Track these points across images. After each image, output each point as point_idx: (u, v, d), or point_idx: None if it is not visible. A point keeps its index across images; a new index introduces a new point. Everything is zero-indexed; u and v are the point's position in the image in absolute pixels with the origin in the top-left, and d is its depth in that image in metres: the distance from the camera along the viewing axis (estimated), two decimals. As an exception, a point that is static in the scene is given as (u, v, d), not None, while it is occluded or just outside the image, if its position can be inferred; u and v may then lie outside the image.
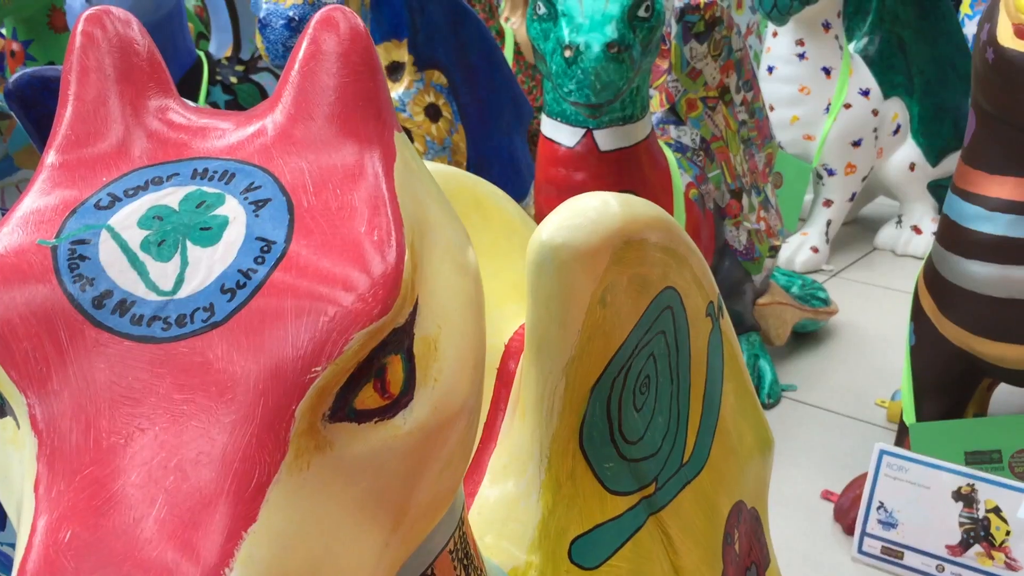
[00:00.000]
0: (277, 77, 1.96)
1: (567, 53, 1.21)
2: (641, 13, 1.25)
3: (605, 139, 1.36)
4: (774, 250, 1.68)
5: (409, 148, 0.41)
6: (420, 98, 1.84)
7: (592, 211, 0.52)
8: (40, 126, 0.94)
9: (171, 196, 0.35)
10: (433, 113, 1.85)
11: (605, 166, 1.37)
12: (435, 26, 1.81)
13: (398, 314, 0.33)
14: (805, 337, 1.83)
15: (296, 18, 1.52)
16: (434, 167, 0.73)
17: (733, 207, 1.61)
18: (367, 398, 0.33)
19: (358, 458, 0.33)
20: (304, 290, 0.31)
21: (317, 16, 0.39)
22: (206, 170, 0.36)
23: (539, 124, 2.27)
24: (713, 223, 1.57)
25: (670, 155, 1.50)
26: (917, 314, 1.29)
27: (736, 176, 1.61)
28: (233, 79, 2.08)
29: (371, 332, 0.32)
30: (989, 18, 1.11)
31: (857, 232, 2.38)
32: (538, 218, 1.48)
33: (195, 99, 2.00)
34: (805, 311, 1.77)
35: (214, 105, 2.03)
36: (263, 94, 2.10)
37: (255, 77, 2.11)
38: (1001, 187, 1.14)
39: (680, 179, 1.48)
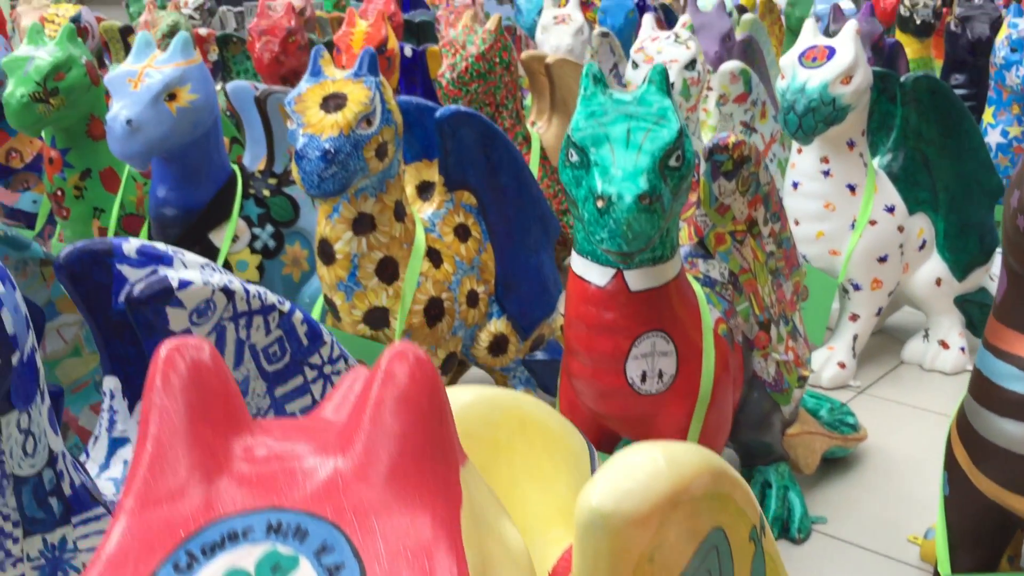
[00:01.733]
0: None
1: (599, 204, 1.23)
2: (672, 163, 1.27)
3: (636, 279, 1.37)
4: (803, 380, 1.67)
5: (473, 478, 0.42)
6: (450, 218, 1.87)
7: (641, 473, 0.52)
8: (87, 299, 0.96)
9: (247, 557, 0.35)
10: (462, 233, 1.88)
11: (635, 306, 1.38)
12: (466, 149, 1.84)
13: None
14: (834, 462, 1.82)
15: (332, 150, 1.55)
16: (478, 393, 0.74)
17: (761, 339, 1.61)
18: None
19: None
20: None
21: (389, 354, 0.40)
22: (280, 524, 0.37)
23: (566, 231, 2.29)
24: (742, 356, 1.57)
25: (699, 289, 1.51)
26: (950, 464, 1.28)
27: (764, 308, 1.62)
28: (266, 192, 2.12)
29: None
30: (1019, 184, 1.12)
31: (884, 344, 2.37)
32: (566, 352, 1.48)
33: (229, 212, 2.04)
34: (834, 439, 1.76)
35: (247, 219, 2.06)
36: (294, 207, 2.14)
37: (287, 190, 2.15)
38: (1035, 346, 1.14)
39: (709, 315, 1.49)
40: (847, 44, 2.03)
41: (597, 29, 3.60)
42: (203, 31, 3.60)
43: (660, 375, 1.42)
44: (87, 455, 0.98)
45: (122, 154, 1.87)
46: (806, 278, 2.20)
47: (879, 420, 2.00)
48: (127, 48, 3.96)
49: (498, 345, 1.93)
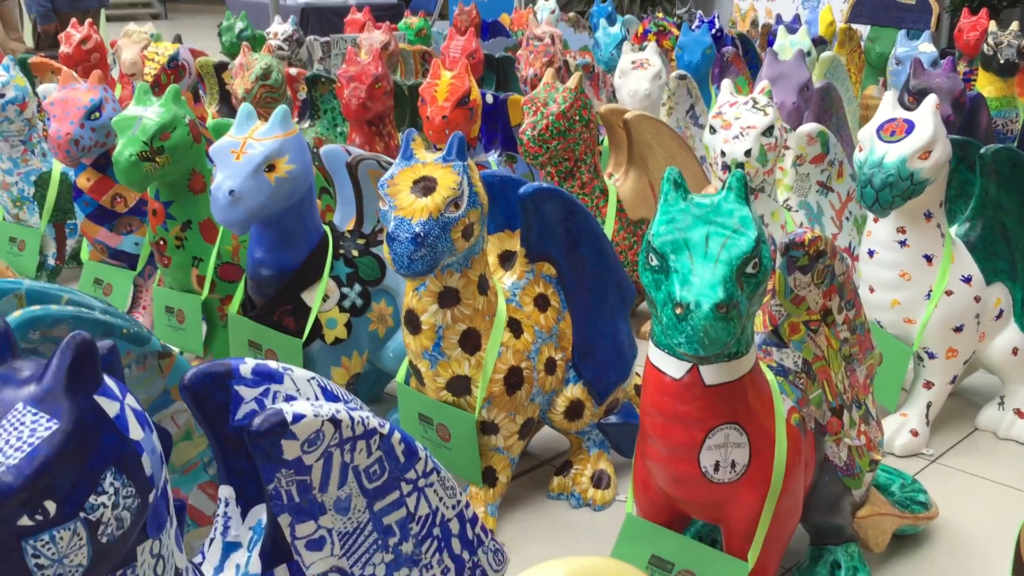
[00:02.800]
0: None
1: (678, 311, 1.29)
2: (749, 270, 1.32)
3: (711, 374, 1.42)
4: (874, 464, 1.71)
5: None
6: (530, 288, 1.95)
7: None
8: (208, 416, 1.06)
9: None
10: (542, 303, 1.95)
11: (710, 399, 1.44)
12: (547, 224, 1.92)
13: None
14: (904, 539, 1.85)
15: (422, 234, 1.64)
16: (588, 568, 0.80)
17: (834, 424, 1.65)
18: None
19: None
20: None
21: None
22: None
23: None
24: (814, 442, 1.62)
25: (772, 379, 1.56)
26: (1018, 570, 1.31)
27: (837, 394, 1.66)
28: (355, 252, 2.22)
29: None
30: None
31: (958, 408, 2.38)
32: (641, 435, 1.54)
33: (321, 273, 2.15)
34: (905, 518, 1.80)
35: (336, 279, 2.16)
36: (381, 266, 2.24)
37: (374, 250, 2.25)
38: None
39: (782, 405, 1.54)
40: (926, 118, 2.05)
41: (675, 72, 3.64)
42: (293, 71, 3.74)
43: (733, 465, 1.47)
44: (203, 556, 1.07)
45: (224, 221, 1.98)
46: (880, 343, 2.23)
47: (951, 493, 2.02)
48: (220, 83, 4.13)
49: (574, 410, 2.00)
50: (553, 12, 6.61)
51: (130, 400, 0.88)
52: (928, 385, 2.24)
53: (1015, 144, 3.75)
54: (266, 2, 6.81)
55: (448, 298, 1.78)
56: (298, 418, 0.96)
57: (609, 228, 2.73)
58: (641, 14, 8.29)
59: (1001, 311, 2.23)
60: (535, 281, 1.96)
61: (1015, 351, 2.24)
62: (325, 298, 2.15)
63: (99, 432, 0.82)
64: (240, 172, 1.97)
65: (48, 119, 2.70)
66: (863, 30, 5.35)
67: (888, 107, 2.13)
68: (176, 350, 1.39)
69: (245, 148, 2.00)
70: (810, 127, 2.48)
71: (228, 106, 4.07)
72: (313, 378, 1.13)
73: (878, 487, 1.84)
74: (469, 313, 1.81)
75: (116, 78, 4.80)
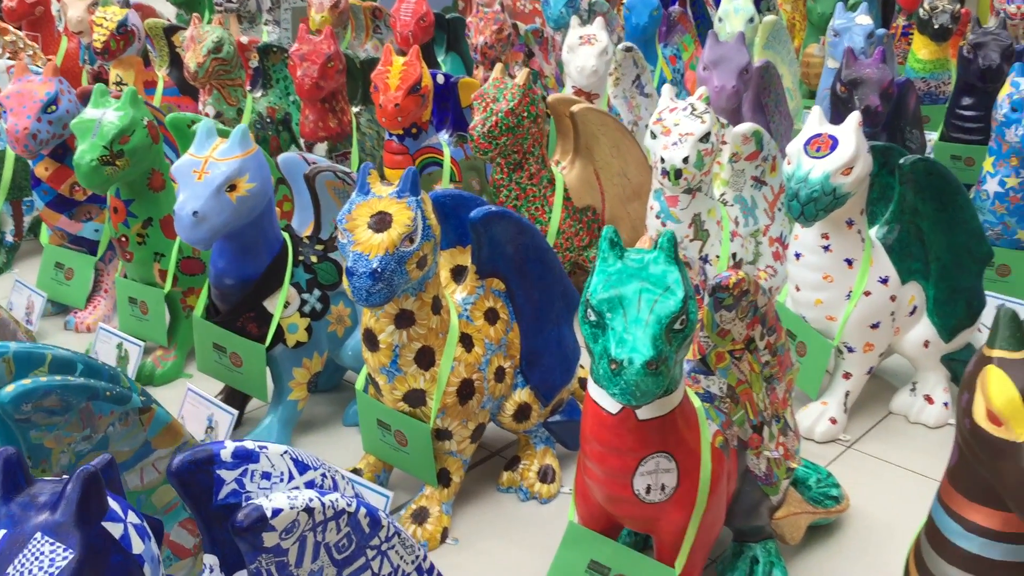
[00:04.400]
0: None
1: (612, 366, 1.44)
2: (677, 326, 1.47)
3: (644, 410, 1.59)
4: (791, 471, 1.90)
5: None
6: (480, 303, 2.08)
7: None
8: (194, 497, 1.20)
9: None
10: (492, 316, 2.09)
11: (643, 432, 1.60)
12: (497, 244, 2.05)
13: None
14: (817, 529, 2.05)
15: (379, 269, 1.76)
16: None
17: (755, 440, 1.83)
18: None
19: None
20: None
21: None
22: None
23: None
24: (736, 458, 1.80)
25: (699, 405, 1.73)
26: (907, 581, 1.51)
27: (758, 412, 1.84)
28: (314, 258, 2.34)
29: None
30: (969, 387, 1.32)
31: (875, 391, 2.58)
32: (582, 455, 1.71)
33: (282, 281, 2.26)
34: (818, 513, 2.00)
35: (297, 286, 2.28)
36: (339, 270, 2.35)
37: (333, 255, 2.36)
38: (977, 514, 1.36)
39: (708, 430, 1.71)
40: (849, 135, 2.19)
41: (621, 44, 3.73)
42: (244, 39, 3.76)
43: (663, 488, 1.65)
44: (192, 612, 1.22)
45: (189, 240, 2.08)
46: (804, 335, 2.41)
47: (863, 479, 2.23)
48: (171, 47, 4.13)
49: (522, 413, 2.16)
50: (503, -49, 6.57)
51: (131, 517, 1.01)
52: (847, 376, 2.44)
53: (946, 105, 3.93)
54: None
55: (404, 319, 1.91)
56: (276, 512, 1.10)
57: (556, 216, 2.86)
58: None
59: (915, 307, 2.42)
60: (485, 296, 2.09)
61: (926, 343, 2.43)
62: (286, 305, 2.27)
63: (107, 555, 0.96)
64: (202, 193, 2.06)
65: (4, 113, 2.73)
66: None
67: (815, 122, 2.26)
68: (155, 405, 1.51)
69: (207, 168, 2.09)
70: (745, 127, 2.60)
71: (178, 69, 4.08)
72: (286, 452, 1.26)
73: (796, 480, 2.03)
74: (423, 332, 1.94)
75: (61, 31, 4.76)
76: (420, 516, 2.05)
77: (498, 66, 2.79)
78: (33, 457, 1.38)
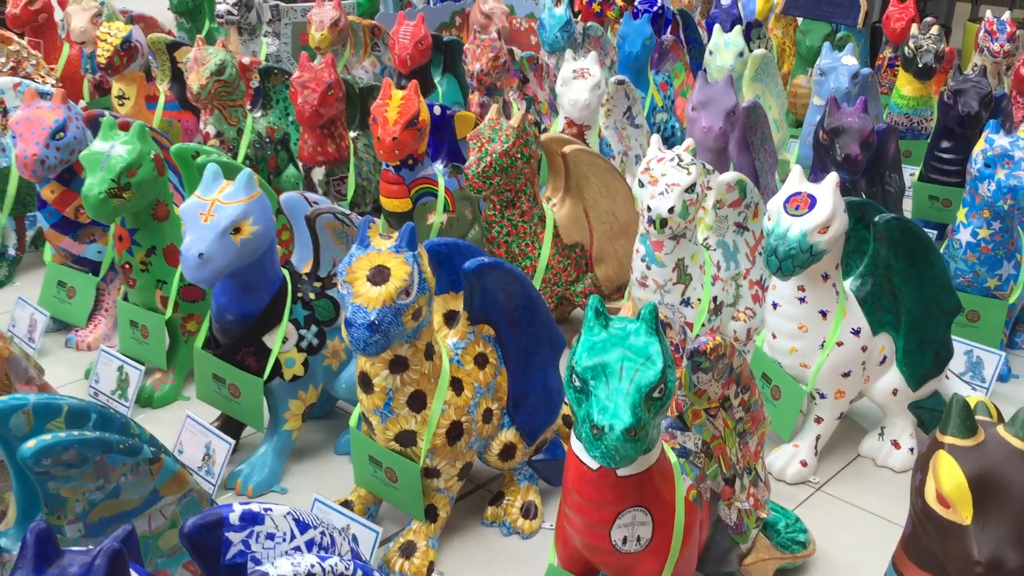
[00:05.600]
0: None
1: (594, 431, 1.54)
2: (655, 395, 1.58)
3: (622, 468, 1.69)
4: (760, 520, 2.01)
5: None
6: (471, 348, 2.18)
7: None
8: (204, 557, 1.30)
9: None
10: (481, 361, 2.19)
11: (621, 488, 1.71)
12: (488, 293, 2.15)
13: None
14: (784, 572, 2.16)
15: (376, 321, 1.86)
16: None
17: (727, 492, 1.94)
18: None
19: None
20: None
21: None
22: None
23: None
24: (709, 509, 1.91)
25: (675, 460, 1.83)
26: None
27: (731, 465, 1.95)
28: (311, 295, 2.43)
29: None
30: (922, 469, 1.43)
31: (845, 432, 2.69)
32: (563, 504, 1.81)
33: (281, 317, 2.36)
34: (785, 558, 2.11)
35: (295, 322, 2.37)
36: (336, 307, 2.45)
37: (330, 292, 2.45)
38: (925, 582, 1.47)
39: (683, 484, 1.82)
40: (827, 196, 2.29)
41: (613, 77, 3.83)
42: (246, 60, 3.84)
43: (639, 539, 1.75)
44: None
45: (194, 280, 2.17)
46: (779, 379, 2.52)
47: (830, 522, 2.34)
48: (172, 61, 4.20)
49: (507, 452, 2.27)
50: (501, -37, 6.67)
51: (150, 584, 1.11)
52: (818, 420, 2.55)
53: (927, 140, 4.05)
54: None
55: (398, 365, 2.01)
56: (281, 580, 1.21)
57: (545, 252, 2.96)
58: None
59: (885, 357, 2.53)
60: (476, 341, 2.19)
61: (895, 391, 2.55)
62: (284, 340, 2.36)
63: (131, 622, 1.06)
64: (208, 235, 2.16)
65: (14, 138, 2.82)
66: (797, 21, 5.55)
67: (795, 181, 2.37)
68: (163, 455, 1.61)
69: (213, 211, 2.18)
70: (729, 176, 2.71)
71: (179, 84, 4.16)
72: (289, 513, 1.36)
73: (765, 525, 2.14)
74: (416, 377, 2.04)
75: (63, 37, 4.83)
76: (408, 550, 2.15)
77: (494, 107, 2.89)
78: (50, 506, 1.48)
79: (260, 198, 2.25)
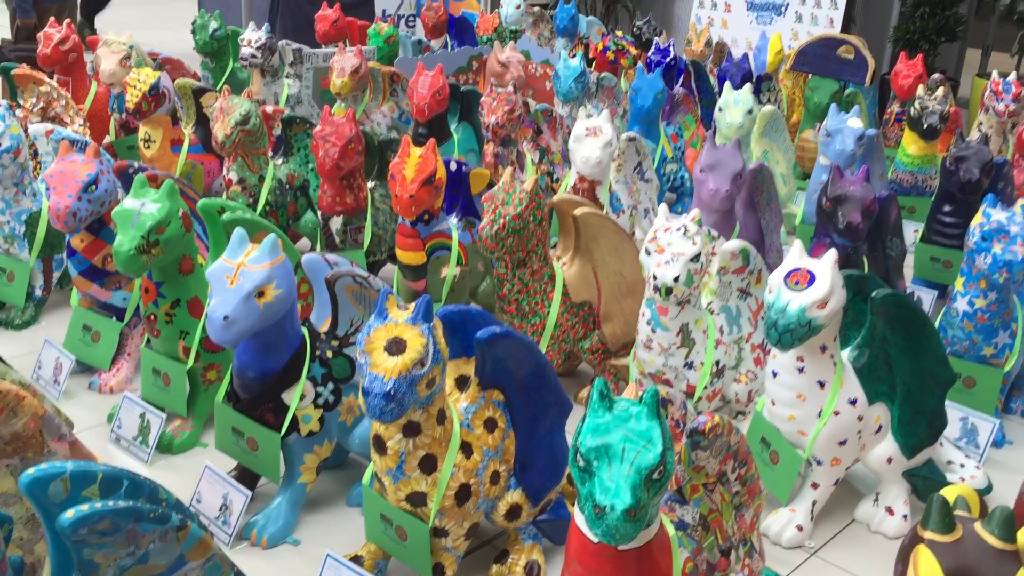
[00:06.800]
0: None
1: (596, 510, 1.64)
2: (655, 477, 1.67)
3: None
4: (753, 591, 2.10)
5: None
6: (481, 412, 2.28)
7: None
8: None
9: None
10: (490, 425, 2.29)
11: (621, 561, 1.79)
12: (499, 361, 2.24)
13: None
14: (776, 638, 2.25)
15: (392, 391, 1.95)
16: None
17: (723, 563, 2.03)
18: None
19: None
20: None
21: None
22: None
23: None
24: (704, 580, 1.99)
25: (672, 532, 1.92)
26: None
27: (727, 537, 2.03)
28: (329, 353, 2.53)
29: None
30: (903, 560, 1.52)
31: (841, 496, 2.77)
32: (566, 568, 1.90)
33: (299, 375, 2.46)
34: (777, 625, 2.19)
35: (313, 379, 2.47)
36: (352, 365, 2.55)
37: (347, 351, 2.55)
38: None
39: (679, 556, 1.91)
40: (826, 272, 2.39)
41: (624, 134, 3.94)
42: (269, 109, 3.96)
43: (636, 609, 1.84)
44: None
45: (219, 341, 2.27)
46: (777, 444, 2.61)
47: (822, 588, 2.43)
48: (198, 106, 4.33)
49: (513, 512, 2.36)
50: (519, 7, 6.81)
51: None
52: (815, 486, 2.63)
53: (931, 198, 4.14)
54: (237, -17, 6.89)
55: (411, 429, 2.11)
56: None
57: (554, 311, 3.06)
58: (604, 21, 8.50)
59: (880, 426, 2.62)
60: (486, 406, 2.29)
61: (890, 459, 2.63)
62: (302, 397, 2.46)
63: None
64: (233, 299, 2.26)
65: (48, 189, 2.93)
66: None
67: (796, 256, 2.47)
68: (190, 522, 1.71)
69: (238, 275, 2.29)
70: (733, 245, 2.81)
71: (204, 128, 4.28)
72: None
73: (758, 593, 2.23)
74: (428, 441, 2.14)
75: (92, 76, 4.97)
76: (415, 607, 2.25)
77: (508, 170, 3.00)
78: (83, 571, 1.58)
79: (283, 263, 2.36)
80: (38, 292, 3.60)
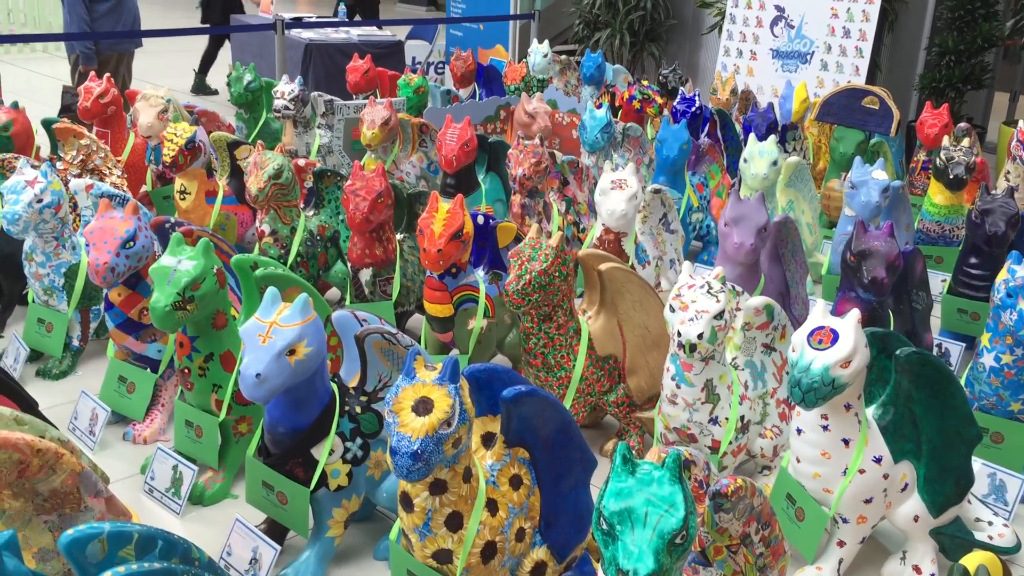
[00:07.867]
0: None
1: (619, 575, 1.66)
2: (677, 541, 1.69)
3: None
4: (777, 643, 2.10)
5: None
6: (507, 470, 2.31)
7: None
8: None
9: None
10: (516, 482, 2.32)
11: (645, 622, 1.81)
12: (524, 419, 2.27)
13: None
14: None
15: (419, 451, 1.99)
16: None
17: (745, 624, 2.04)
18: None
19: None
20: None
21: None
22: None
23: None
24: (727, 642, 2.00)
25: (697, 594, 1.94)
26: None
27: (750, 599, 2.05)
28: (358, 408, 2.57)
29: None
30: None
31: (868, 554, 2.77)
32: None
33: (329, 431, 2.50)
34: None
35: (341, 435, 2.52)
36: (380, 420, 2.59)
37: (375, 406, 2.60)
38: None
39: (703, 618, 1.92)
40: (849, 331, 2.41)
41: (650, 186, 3.99)
42: (302, 162, 4.05)
43: (659, 671, 1.85)
44: None
45: (251, 398, 2.32)
46: (802, 501, 2.62)
47: (849, 648, 2.42)
48: (232, 159, 4.44)
49: (538, 569, 2.38)
50: (546, 56, 6.92)
51: None
52: (841, 544, 2.64)
53: (959, 248, 4.15)
54: (271, 34, 7.05)
55: (437, 487, 2.14)
56: None
57: (580, 364, 3.10)
58: (630, 69, 8.59)
59: (906, 484, 2.62)
60: (511, 463, 2.32)
61: (916, 518, 2.63)
62: (331, 452, 2.51)
63: None
64: (265, 357, 2.32)
65: (87, 245, 3.02)
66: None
67: (819, 315, 2.49)
68: (222, 582, 1.75)
69: (271, 333, 2.35)
70: (757, 301, 2.84)
71: (238, 179, 4.38)
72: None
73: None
74: (454, 499, 2.17)
75: (130, 128, 5.10)
76: (441, 663, 2.26)
77: (535, 226, 3.05)
78: (119, 630, 1.62)
79: (314, 321, 2.41)
80: (75, 343, 3.68)
